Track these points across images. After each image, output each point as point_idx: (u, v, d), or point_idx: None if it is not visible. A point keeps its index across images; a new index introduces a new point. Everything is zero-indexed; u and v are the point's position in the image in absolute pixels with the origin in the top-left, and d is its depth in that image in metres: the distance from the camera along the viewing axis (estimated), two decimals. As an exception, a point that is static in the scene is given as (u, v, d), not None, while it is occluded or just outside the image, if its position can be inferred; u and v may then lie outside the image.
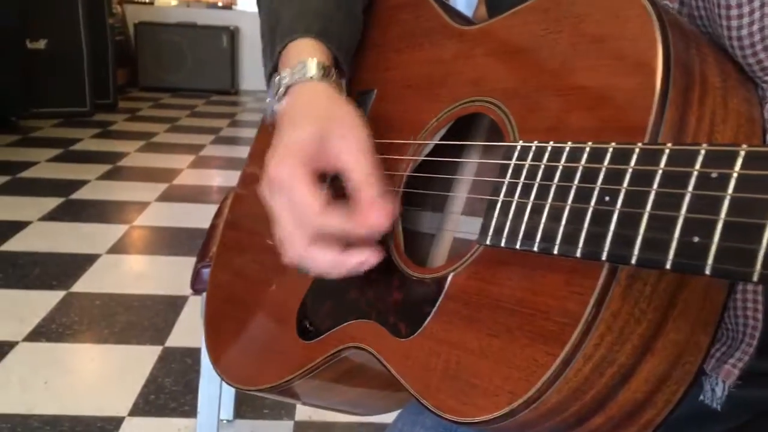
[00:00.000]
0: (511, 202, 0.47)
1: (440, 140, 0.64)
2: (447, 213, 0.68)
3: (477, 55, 0.61)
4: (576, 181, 0.43)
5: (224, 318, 0.83)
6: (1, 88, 4.65)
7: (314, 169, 0.59)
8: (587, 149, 0.43)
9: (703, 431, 0.61)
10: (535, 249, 0.45)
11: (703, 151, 0.36)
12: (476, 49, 0.62)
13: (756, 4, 0.48)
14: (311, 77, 0.65)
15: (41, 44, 5.13)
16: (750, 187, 0.33)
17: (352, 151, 0.59)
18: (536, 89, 0.53)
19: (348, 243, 0.57)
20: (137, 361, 2.00)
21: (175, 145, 4.81)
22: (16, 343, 2.04)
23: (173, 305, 2.34)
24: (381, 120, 0.69)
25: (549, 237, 0.44)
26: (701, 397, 0.57)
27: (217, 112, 6.21)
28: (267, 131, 0.84)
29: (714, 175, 0.35)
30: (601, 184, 0.41)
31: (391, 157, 0.66)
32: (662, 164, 0.38)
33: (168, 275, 2.61)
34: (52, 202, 3.32)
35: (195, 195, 3.67)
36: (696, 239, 0.35)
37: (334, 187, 0.61)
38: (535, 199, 0.45)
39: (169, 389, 1.87)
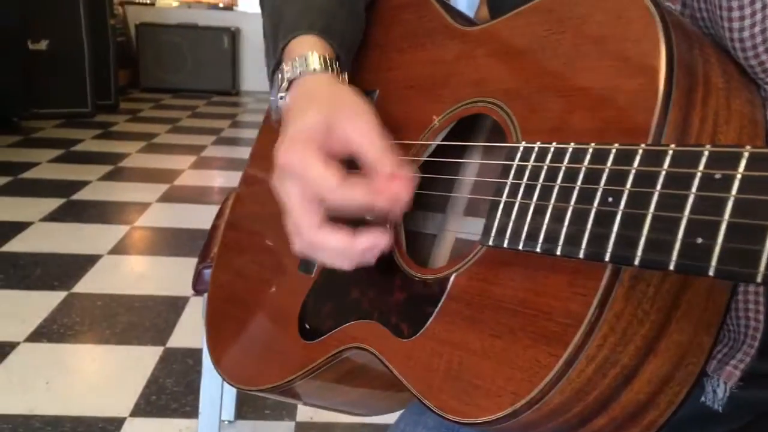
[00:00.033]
0: (513, 203, 0.47)
1: (442, 141, 0.64)
2: (449, 214, 0.69)
3: (479, 55, 0.61)
4: (579, 182, 0.43)
5: (225, 318, 0.83)
6: (3, 89, 4.66)
7: (325, 153, 0.57)
8: (590, 150, 0.43)
9: (705, 432, 0.61)
10: (538, 250, 0.45)
11: (706, 153, 0.36)
12: (479, 50, 0.62)
13: (758, 5, 0.48)
14: (314, 69, 0.65)
15: (43, 45, 5.14)
16: (754, 188, 0.33)
17: (363, 132, 0.58)
18: (539, 90, 0.53)
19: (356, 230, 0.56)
20: (138, 362, 2.00)
21: (176, 145, 4.81)
22: (18, 343, 2.05)
23: (174, 306, 2.34)
24: (383, 120, 0.69)
25: (552, 238, 0.44)
26: (702, 399, 0.58)
27: (218, 113, 6.21)
28: (269, 131, 0.84)
29: (718, 176, 0.35)
30: (604, 185, 0.41)
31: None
32: (665, 165, 0.38)
33: (169, 276, 2.61)
34: (53, 203, 3.32)
35: (196, 196, 3.67)
36: (699, 240, 0.35)
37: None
38: (537, 200, 0.45)
39: (171, 390, 1.87)
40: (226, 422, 1.76)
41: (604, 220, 0.40)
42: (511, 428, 0.48)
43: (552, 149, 0.45)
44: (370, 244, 0.55)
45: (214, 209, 1.66)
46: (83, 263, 2.63)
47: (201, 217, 3.13)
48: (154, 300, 2.38)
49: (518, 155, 0.48)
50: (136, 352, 2.06)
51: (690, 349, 0.47)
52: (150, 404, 1.81)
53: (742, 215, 0.33)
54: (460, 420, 0.50)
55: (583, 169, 0.43)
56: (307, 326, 0.69)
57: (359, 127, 0.58)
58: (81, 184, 3.67)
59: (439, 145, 0.64)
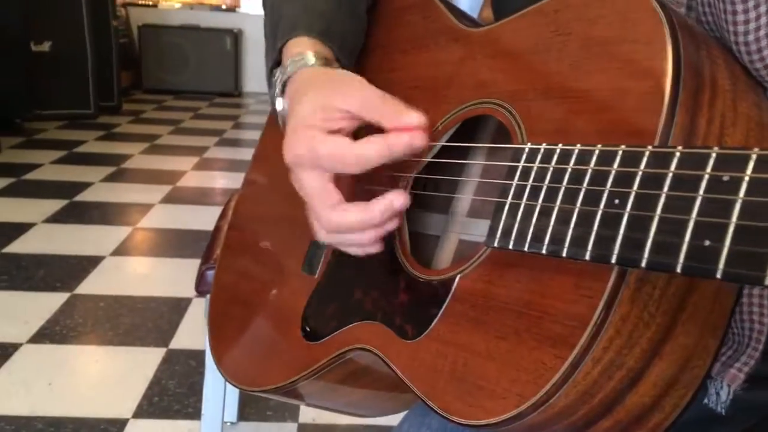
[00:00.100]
0: (519, 204, 0.47)
1: (447, 142, 0.63)
2: (453, 215, 0.68)
3: (484, 56, 0.61)
4: (585, 184, 0.42)
5: (229, 319, 0.83)
6: (6, 91, 4.66)
7: (330, 131, 0.57)
8: (596, 152, 0.43)
9: (709, 434, 0.61)
10: (544, 251, 0.44)
11: (714, 155, 0.36)
12: (484, 51, 0.61)
13: (762, 9, 0.48)
14: (311, 65, 0.65)
15: (45, 47, 5.14)
16: (762, 190, 0.33)
17: (355, 97, 0.57)
18: (544, 92, 0.53)
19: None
20: (141, 363, 1.99)
21: (178, 147, 4.81)
22: (21, 344, 2.05)
23: (177, 307, 2.33)
24: None
25: (558, 239, 0.43)
26: (705, 401, 0.57)
27: (221, 114, 6.21)
28: (272, 132, 0.84)
29: (725, 178, 0.35)
30: (611, 186, 0.41)
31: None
32: (673, 167, 0.38)
33: (172, 277, 2.61)
34: (56, 204, 3.33)
35: (199, 197, 3.67)
36: (707, 243, 0.35)
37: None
38: (543, 201, 0.45)
39: (173, 391, 1.87)
40: (229, 424, 1.75)
41: (610, 221, 0.40)
42: (515, 430, 0.48)
43: (558, 151, 0.45)
44: (387, 204, 0.55)
45: (216, 210, 1.66)
46: (86, 264, 2.63)
47: (203, 218, 3.13)
48: (156, 301, 2.38)
49: (524, 156, 0.48)
50: (138, 353, 2.06)
51: (695, 352, 0.47)
52: (152, 405, 1.80)
53: (750, 217, 0.33)
54: (464, 422, 0.50)
55: (590, 170, 0.42)
56: (311, 327, 0.69)
57: (350, 95, 0.58)
58: (84, 186, 3.67)
59: (443, 146, 0.63)
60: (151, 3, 7.47)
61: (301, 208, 0.60)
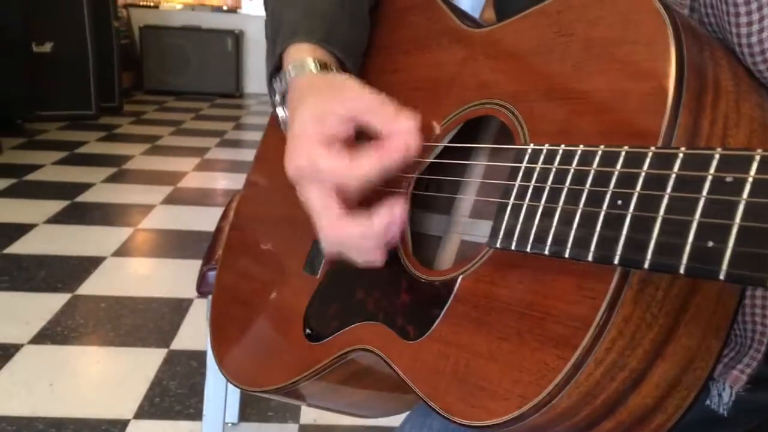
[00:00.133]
0: (521, 205, 0.47)
1: (449, 143, 0.63)
2: (456, 215, 0.68)
3: (487, 57, 0.61)
4: (588, 185, 0.42)
5: (230, 320, 0.83)
6: (7, 91, 4.67)
7: (329, 141, 0.57)
8: (599, 153, 0.43)
9: (711, 436, 0.61)
10: (546, 252, 0.44)
11: (717, 156, 0.36)
12: (486, 52, 0.61)
13: (765, 11, 0.48)
14: (312, 71, 0.65)
15: (47, 48, 5.15)
16: (766, 191, 0.33)
17: (350, 103, 0.58)
18: (547, 92, 0.53)
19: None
20: (142, 364, 2.00)
21: (179, 148, 4.81)
22: (22, 345, 2.05)
23: (178, 308, 2.34)
24: None
25: (560, 240, 0.43)
26: (708, 402, 0.57)
27: (222, 115, 6.22)
28: (274, 134, 0.84)
29: (729, 179, 0.35)
30: (614, 187, 0.41)
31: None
32: (676, 168, 0.38)
33: (173, 278, 2.61)
34: (57, 205, 3.33)
35: (200, 198, 3.67)
36: (710, 244, 0.35)
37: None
38: (546, 202, 0.45)
39: (175, 392, 1.87)
40: (230, 424, 1.76)
41: (613, 222, 0.40)
42: (518, 431, 0.48)
43: (560, 152, 0.45)
44: (387, 217, 0.55)
45: (218, 211, 1.66)
46: (87, 265, 2.63)
47: (205, 219, 3.14)
48: (158, 302, 2.38)
49: (526, 157, 0.48)
50: (140, 354, 2.06)
51: (698, 353, 0.47)
52: (154, 406, 1.81)
53: (754, 219, 0.33)
54: (466, 422, 0.50)
55: (592, 171, 0.42)
56: (312, 327, 0.69)
57: (348, 99, 0.58)
58: (85, 187, 3.68)
59: (446, 146, 0.63)
60: (152, 4, 7.48)
61: (302, 208, 0.60)
